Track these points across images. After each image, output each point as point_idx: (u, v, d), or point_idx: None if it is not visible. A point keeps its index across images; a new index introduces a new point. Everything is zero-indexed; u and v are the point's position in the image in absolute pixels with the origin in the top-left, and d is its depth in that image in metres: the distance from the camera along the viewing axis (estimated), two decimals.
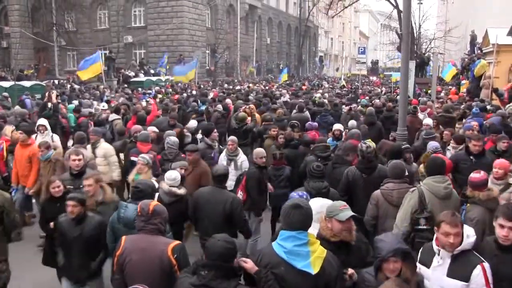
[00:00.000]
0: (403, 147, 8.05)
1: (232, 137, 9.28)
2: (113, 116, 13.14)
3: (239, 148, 9.10)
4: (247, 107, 13.80)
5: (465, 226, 3.95)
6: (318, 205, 4.53)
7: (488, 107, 15.06)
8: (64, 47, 40.48)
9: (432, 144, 8.27)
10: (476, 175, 5.38)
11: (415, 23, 34.71)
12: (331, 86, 33.89)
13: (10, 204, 6.01)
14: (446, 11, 48.25)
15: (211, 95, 20.34)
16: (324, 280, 3.58)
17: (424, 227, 5.06)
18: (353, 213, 4.10)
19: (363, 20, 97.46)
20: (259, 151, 8.08)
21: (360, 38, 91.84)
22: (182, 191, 6.27)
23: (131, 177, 7.42)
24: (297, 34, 64.57)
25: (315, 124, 11.92)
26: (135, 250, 4.13)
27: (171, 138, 8.91)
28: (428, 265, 3.95)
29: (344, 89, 30.32)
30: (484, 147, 8.06)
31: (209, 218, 6.00)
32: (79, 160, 6.99)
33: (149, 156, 7.53)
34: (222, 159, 8.97)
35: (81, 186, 6.28)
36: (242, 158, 8.93)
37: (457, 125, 11.52)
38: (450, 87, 29.16)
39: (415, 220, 5.12)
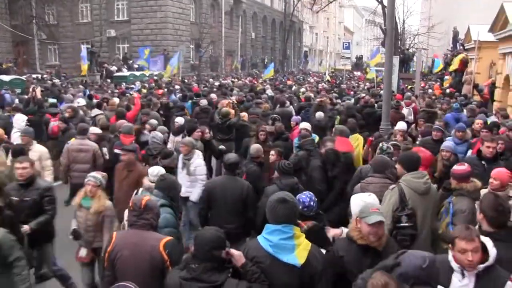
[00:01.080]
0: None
1: (185, 140, 8.35)
2: (95, 112, 12.95)
3: (196, 152, 8.16)
4: (230, 101, 13.73)
5: (482, 237, 3.52)
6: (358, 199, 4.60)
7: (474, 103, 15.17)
8: (45, 41, 39.84)
9: (445, 144, 7.82)
10: (460, 167, 5.43)
11: (399, 19, 34.91)
12: (316, 81, 33.94)
13: None
14: (429, 7, 48.46)
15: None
16: (309, 272, 3.63)
17: (406, 224, 5.04)
18: (382, 218, 3.94)
19: (348, 16, 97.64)
20: (257, 147, 7.70)
21: (345, 34, 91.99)
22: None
23: (77, 200, 5.99)
24: (282, 29, 64.51)
25: (299, 118, 11.84)
26: (126, 245, 4.07)
27: (156, 133, 8.87)
28: (446, 285, 3.49)
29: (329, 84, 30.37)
30: (497, 149, 7.17)
31: (227, 205, 6.19)
32: (23, 168, 6.08)
33: (102, 175, 6.11)
34: (180, 161, 8.13)
35: (26, 198, 5.97)
36: (196, 163, 7.97)
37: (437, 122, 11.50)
38: (433, 82, 29.38)
39: (396, 218, 5.09)
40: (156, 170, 6.07)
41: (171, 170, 7.01)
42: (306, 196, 4.97)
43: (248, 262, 3.59)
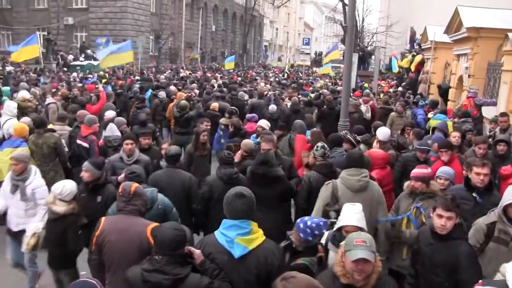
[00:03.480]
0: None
1: (18, 154, 6.22)
2: (49, 100, 12.67)
3: (32, 168, 6.19)
4: (189, 94, 13.67)
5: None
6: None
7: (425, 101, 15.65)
8: None
9: (443, 170, 6.08)
10: (422, 170, 5.43)
11: (358, 17, 35.36)
12: (274, 76, 34.13)
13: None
14: (388, 6, 49.32)
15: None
16: (265, 268, 3.60)
17: (334, 220, 4.79)
18: (368, 255, 3.29)
19: (308, 12, 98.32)
20: (249, 143, 7.42)
21: (305, 29, 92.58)
22: (62, 208, 5.18)
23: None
24: (242, 22, 64.50)
25: (255, 115, 11.28)
26: (114, 230, 4.12)
27: (112, 125, 8.76)
28: None
29: (288, 79, 30.57)
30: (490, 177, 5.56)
31: (172, 197, 5.72)
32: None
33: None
34: (6, 183, 6.17)
35: None
36: (35, 184, 6.03)
37: (397, 120, 11.77)
38: (390, 80, 29.97)
39: (325, 213, 5.12)
40: (61, 186, 5.24)
41: None
42: (319, 220, 4.28)
43: (207, 260, 3.57)
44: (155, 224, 4.17)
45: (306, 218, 4.29)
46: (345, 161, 5.50)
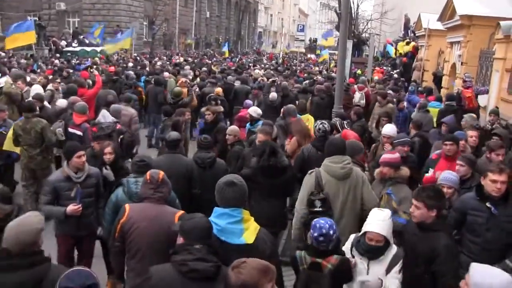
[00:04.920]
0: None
1: None
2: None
3: None
4: (183, 80, 13.68)
5: None
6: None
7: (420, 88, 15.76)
8: None
9: (445, 177, 5.40)
10: (391, 155, 5.47)
11: (353, 3, 35.26)
12: (269, 63, 34.13)
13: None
14: None
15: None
16: (257, 256, 3.42)
17: (320, 209, 4.94)
18: None
19: None
20: (235, 128, 7.54)
21: (300, 16, 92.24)
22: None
23: None
24: (236, 9, 64.10)
25: (250, 102, 11.53)
26: (143, 217, 4.12)
27: (105, 111, 8.79)
28: None
29: (282, 65, 30.58)
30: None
31: (174, 183, 5.57)
32: None
33: None
34: None
35: None
36: None
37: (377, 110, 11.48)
38: (384, 67, 30.02)
39: (310, 202, 5.04)
40: None
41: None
42: (325, 222, 4.07)
43: None
44: (181, 212, 4.26)
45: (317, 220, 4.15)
46: (326, 148, 5.40)
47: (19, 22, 21.11)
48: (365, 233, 4.01)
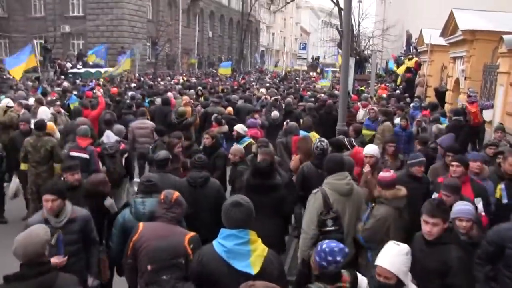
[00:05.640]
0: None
1: None
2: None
3: None
4: (187, 100, 13.71)
5: None
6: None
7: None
8: None
9: (461, 209, 4.78)
10: (386, 174, 5.28)
11: (354, 21, 35.45)
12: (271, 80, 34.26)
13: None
14: (383, 10, 49.58)
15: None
16: (265, 280, 3.40)
17: (332, 228, 4.88)
18: None
19: (304, 16, 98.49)
20: (238, 148, 7.45)
21: (301, 34, 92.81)
22: None
23: None
24: (239, 28, 64.52)
25: (257, 121, 11.27)
26: (154, 236, 4.22)
27: (109, 132, 8.77)
28: None
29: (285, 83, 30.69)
30: None
31: None
32: None
33: None
34: None
35: None
36: None
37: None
38: (387, 84, 30.05)
39: (322, 222, 4.95)
40: None
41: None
42: (336, 245, 3.78)
43: None
44: (193, 233, 4.31)
45: (325, 241, 3.88)
46: (326, 165, 5.41)
47: (22, 48, 21.20)
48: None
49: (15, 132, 9.62)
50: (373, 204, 5.29)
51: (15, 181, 8.90)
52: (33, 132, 8.63)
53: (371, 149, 6.95)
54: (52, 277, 3.49)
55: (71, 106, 13.56)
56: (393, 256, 3.51)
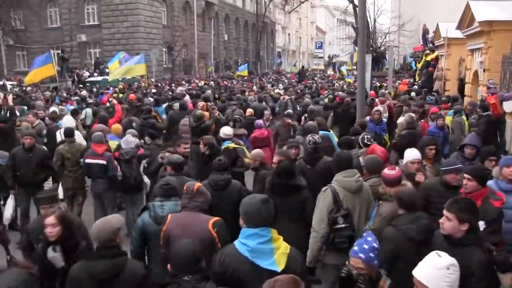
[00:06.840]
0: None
1: None
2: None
3: None
4: (203, 104, 13.70)
5: None
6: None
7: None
8: (13, 45, 39.10)
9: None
10: (390, 172, 5.12)
11: (370, 18, 35.26)
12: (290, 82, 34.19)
13: None
14: (399, 5, 49.04)
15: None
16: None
17: (343, 225, 4.88)
18: None
19: (319, 15, 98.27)
20: (259, 152, 7.29)
21: (317, 33, 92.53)
22: None
23: None
24: (254, 30, 64.67)
25: (261, 122, 11.26)
26: (178, 225, 4.50)
27: (130, 136, 8.91)
28: None
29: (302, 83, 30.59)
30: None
31: None
32: None
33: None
34: None
35: None
36: None
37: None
38: (406, 79, 29.75)
39: (332, 219, 4.93)
40: None
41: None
42: (372, 240, 3.79)
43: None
44: (216, 218, 4.59)
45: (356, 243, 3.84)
46: (336, 163, 5.33)
47: (42, 55, 21.58)
48: None
49: (17, 148, 8.76)
50: (380, 201, 5.17)
51: (10, 203, 8.21)
52: (65, 139, 9.17)
53: (415, 154, 6.30)
54: (123, 261, 3.99)
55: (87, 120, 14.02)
56: (430, 268, 3.16)
